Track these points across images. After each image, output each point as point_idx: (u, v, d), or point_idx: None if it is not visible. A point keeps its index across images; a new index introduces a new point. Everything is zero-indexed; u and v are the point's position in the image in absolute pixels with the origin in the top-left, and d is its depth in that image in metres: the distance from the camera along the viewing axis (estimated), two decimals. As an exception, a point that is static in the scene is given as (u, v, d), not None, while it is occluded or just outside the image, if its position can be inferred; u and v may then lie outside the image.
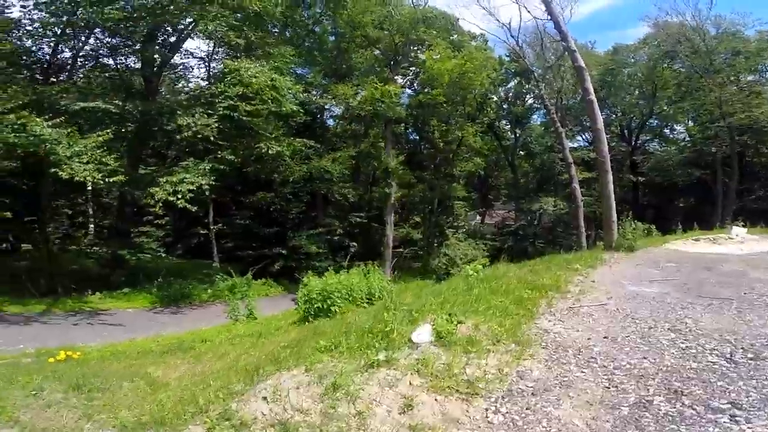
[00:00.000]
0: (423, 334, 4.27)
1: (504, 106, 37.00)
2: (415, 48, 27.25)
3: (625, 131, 35.80)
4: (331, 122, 32.10)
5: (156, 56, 18.26)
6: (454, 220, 36.52)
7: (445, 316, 4.62)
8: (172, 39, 19.21)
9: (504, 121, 38.06)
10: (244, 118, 16.77)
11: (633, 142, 35.29)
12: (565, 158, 21.11)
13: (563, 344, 4.19)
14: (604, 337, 4.28)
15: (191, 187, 13.30)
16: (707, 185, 29.89)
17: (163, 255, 21.83)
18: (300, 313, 9.01)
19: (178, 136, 14.72)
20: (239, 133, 19.44)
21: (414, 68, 28.29)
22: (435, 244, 31.38)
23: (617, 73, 32.60)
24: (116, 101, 15.88)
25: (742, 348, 3.72)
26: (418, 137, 33.42)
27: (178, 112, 14.42)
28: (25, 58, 15.84)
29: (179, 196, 13.00)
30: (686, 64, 28.91)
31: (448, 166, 31.98)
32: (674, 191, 33.71)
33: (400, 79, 31.10)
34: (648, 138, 36.76)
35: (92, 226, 24.16)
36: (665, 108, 32.57)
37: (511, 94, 37.18)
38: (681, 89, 30.69)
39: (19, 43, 15.11)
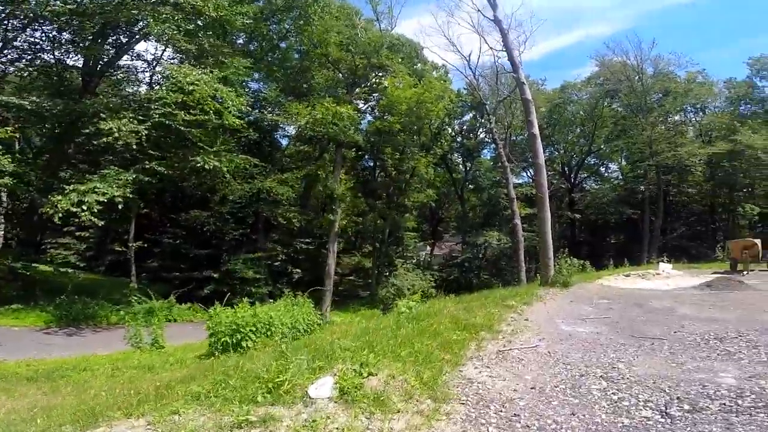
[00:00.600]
0: (322, 387, 3.48)
1: (458, 139, 37.92)
2: (379, 74, 27.46)
3: (566, 168, 37.90)
4: (285, 142, 31.31)
5: (102, 55, 16.78)
6: (404, 251, 36.29)
7: (356, 365, 3.89)
8: (124, 39, 17.91)
9: (456, 154, 38.94)
10: (182, 128, 15.52)
11: (572, 180, 37.37)
12: (508, 193, 21.69)
13: (486, 398, 3.57)
14: (532, 388, 3.73)
15: (101, 198, 11.66)
16: (636, 223, 32.14)
17: (74, 271, 19.18)
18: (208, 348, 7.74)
19: (95, 141, 13.03)
20: (175, 144, 18.01)
21: (376, 95, 28.37)
22: (385, 274, 30.78)
23: (562, 111, 34.67)
24: (33, 98, 14.03)
25: (677, 398, 3.32)
26: (373, 165, 33.19)
27: (102, 115, 12.84)
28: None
29: (84, 207, 11.30)
30: (624, 103, 31.20)
31: (400, 195, 31.90)
32: (607, 228, 36.04)
33: (361, 105, 31.14)
34: (585, 176, 39.21)
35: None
36: (602, 146, 34.96)
37: (465, 127, 38.29)
38: (617, 128, 33.00)
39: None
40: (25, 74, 17.44)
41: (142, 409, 3.39)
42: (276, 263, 23.86)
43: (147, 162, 14.95)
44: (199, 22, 17.34)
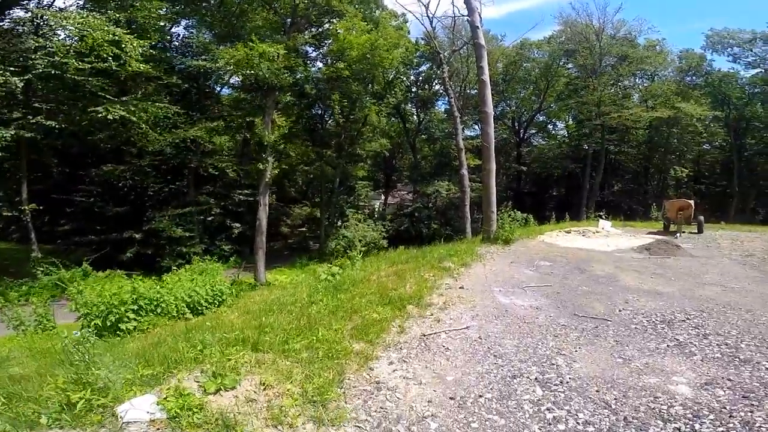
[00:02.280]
0: (138, 407, 2.42)
1: (413, 90, 36.43)
2: (332, 20, 24.57)
3: (516, 124, 38.12)
4: (227, 91, 27.93)
5: None
6: (356, 200, 35.25)
7: (209, 372, 2.84)
8: None
9: (410, 104, 37.60)
10: (76, 77, 13.72)
11: (521, 135, 37.73)
12: (457, 143, 20.86)
13: (392, 415, 2.71)
14: (451, 398, 2.92)
15: None
16: (577, 177, 33.33)
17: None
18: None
19: None
20: (72, 96, 15.64)
21: (329, 41, 25.56)
22: (337, 224, 29.79)
23: (518, 67, 34.01)
24: None
25: (624, 418, 2.62)
26: (321, 113, 30.80)
27: None
28: None
29: None
30: (579, 64, 31.07)
31: (351, 144, 30.26)
32: (550, 181, 37.33)
33: (312, 52, 28.12)
34: (534, 132, 39.81)
35: None
36: (552, 105, 35.21)
37: (421, 77, 36.74)
38: (569, 87, 33.14)
39: None
40: None
41: None
42: (210, 218, 21.87)
43: (30, 116, 12.87)
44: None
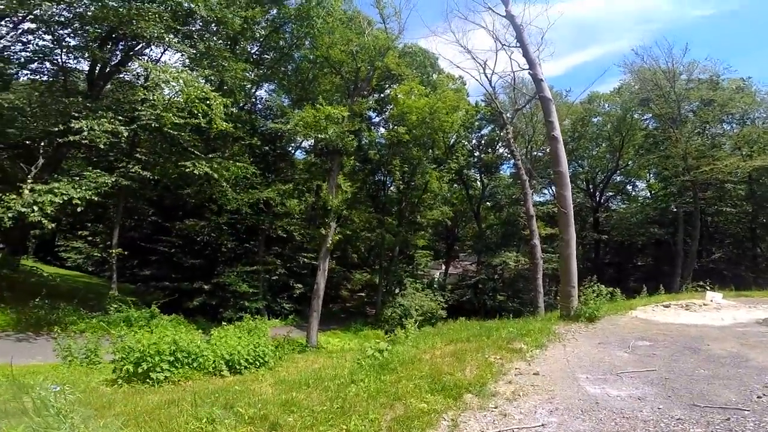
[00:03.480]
0: None
1: (475, 154, 35.99)
2: (392, 86, 26.13)
3: (590, 186, 35.35)
4: (300, 155, 30.35)
5: (109, 60, 16.53)
6: (415, 269, 34.49)
7: None
8: (129, 44, 17.49)
9: (473, 170, 37.06)
10: (172, 132, 14.93)
11: (598, 199, 34.65)
12: (527, 210, 19.66)
13: None
14: None
15: (57, 200, 10.69)
16: (666, 245, 29.09)
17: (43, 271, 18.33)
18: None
19: (59, 140, 12.27)
20: (168, 149, 17.38)
21: (390, 107, 27.18)
22: (395, 292, 29.07)
23: (587, 123, 32.04)
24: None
25: None
26: (383, 179, 31.80)
27: (74, 114, 12.06)
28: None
29: (35, 209, 10.32)
30: (655, 114, 28.24)
31: (413, 212, 30.42)
32: (634, 250, 33.16)
33: (374, 117, 29.99)
34: (611, 194, 36.36)
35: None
36: (629, 162, 32.14)
37: (483, 141, 36.39)
38: (648, 141, 30.07)
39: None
40: (35, 78, 17.20)
41: None
42: (274, 277, 22.54)
43: (131, 165, 14.17)
44: (198, 24, 16.78)
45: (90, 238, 25.89)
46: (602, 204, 35.04)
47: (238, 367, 6.58)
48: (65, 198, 10.80)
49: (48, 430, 2.28)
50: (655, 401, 3.82)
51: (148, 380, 5.70)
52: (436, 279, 37.19)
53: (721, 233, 30.20)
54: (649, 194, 34.95)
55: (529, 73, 11.07)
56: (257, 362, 6.93)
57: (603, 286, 9.85)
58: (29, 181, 10.90)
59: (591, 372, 4.74)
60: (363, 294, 34.70)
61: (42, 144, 13.22)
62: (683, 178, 25.91)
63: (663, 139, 28.28)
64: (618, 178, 35.05)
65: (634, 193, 36.81)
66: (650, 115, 29.69)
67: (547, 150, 33.23)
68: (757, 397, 3.73)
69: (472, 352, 5.39)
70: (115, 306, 15.20)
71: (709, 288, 12.78)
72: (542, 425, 3.31)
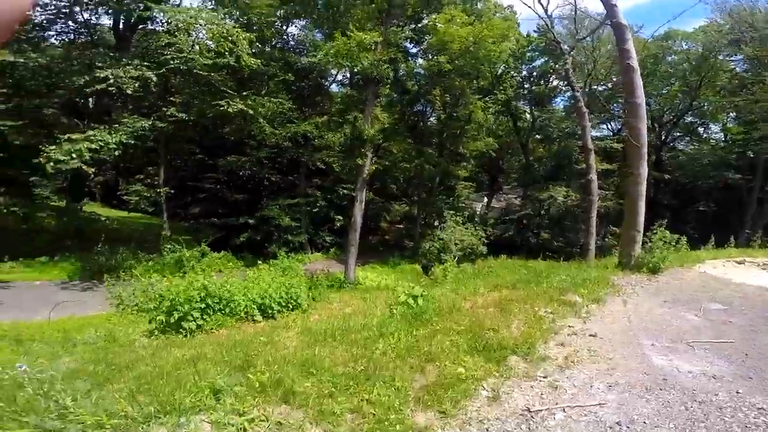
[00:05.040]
0: None
1: (525, 85, 33.24)
2: (432, 16, 23.85)
3: (656, 124, 32.07)
4: (336, 88, 29.16)
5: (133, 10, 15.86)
6: (456, 202, 33.72)
7: None
8: None
9: (523, 101, 34.38)
10: (202, 72, 14.96)
11: (663, 138, 31.53)
12: (585, 144, 17.94)
13: None
14: None
15: (93, 146, 11.05)
16: (738, 190, 26.39)
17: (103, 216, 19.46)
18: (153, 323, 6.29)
19: (87, 89, 12.36)
20: (201, 90, 17.23)
21: (429, 36, 24.95)
22: (434, 224, 29.02)
23: (660, 60, 28.72)
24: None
25: None
26: (423, 109, 30.15)
27: (98, 64, 11.97)
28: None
29: (73, 156, 10.72)
30: (747, 56, 25.07)
31: (454, 143, 29.03)
32: (698, 193, 30.27)
33: (411, 47, 27.69)
34: (679, 134, 33.13)
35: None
36: (705, 104, 28.89)
37: (535, 73, 33.34)
38: (733, 83, 26.84)
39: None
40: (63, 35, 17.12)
41: None
42: (315, 210, 22.94)
43: (167, 108, 14.47)
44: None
45: (147, 181, 27.31)
46: (667, 143, 31.97)
47: (270, 311, 6.67)
48: (101, 144, 11.13)
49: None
50: (733, 383, 3.30)
51: (181, 330, 5.78)
52: (477, 212, 36.44)
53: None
54: (723, 137, 31.42)
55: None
56: (290, 305, 7.01)
57: (668, 232, 8.90)
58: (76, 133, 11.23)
59: (657, 338, 4.23)
60: (401, 226, 34.94)
61: (83, 99, 13.40)
62: (772, 125, 22.91)
63: (752, 83, 24.89)
64: (689, 119, 31.57)
65: (705, 135, 33.11)
66: (741, 56, 26.09)
67: (609, 85, 29.96)
68: None
69: (519, 303, 4.99)
70: (169, 246, 16.00)
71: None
72: (599, 404, 2.94)
